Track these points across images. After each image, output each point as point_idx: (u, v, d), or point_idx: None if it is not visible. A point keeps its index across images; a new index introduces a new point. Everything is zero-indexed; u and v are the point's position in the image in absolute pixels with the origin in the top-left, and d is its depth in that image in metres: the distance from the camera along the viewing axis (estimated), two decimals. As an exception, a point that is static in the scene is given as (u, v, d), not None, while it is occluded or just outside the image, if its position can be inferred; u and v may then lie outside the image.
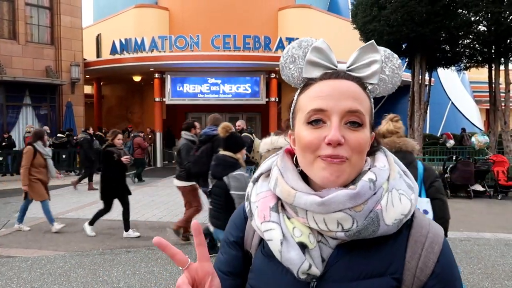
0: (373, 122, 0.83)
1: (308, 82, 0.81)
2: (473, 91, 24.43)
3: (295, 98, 0.84)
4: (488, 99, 12.86)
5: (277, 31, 18.87)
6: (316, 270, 0.76)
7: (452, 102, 21.27)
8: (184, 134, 5.92)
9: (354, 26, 12.50)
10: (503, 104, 11.94)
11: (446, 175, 9.78)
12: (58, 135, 13.91)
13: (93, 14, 24.79)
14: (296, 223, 0.78)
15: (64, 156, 13.20)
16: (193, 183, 5.67)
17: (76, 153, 13.71)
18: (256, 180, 0.88)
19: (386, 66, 0.82)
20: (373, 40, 0.82)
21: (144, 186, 11.29)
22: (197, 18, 18.54)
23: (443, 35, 11.41)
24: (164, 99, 16.37)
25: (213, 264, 0.95)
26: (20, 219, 6.62)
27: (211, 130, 5.31)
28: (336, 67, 0.80)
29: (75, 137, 10.54)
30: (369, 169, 0.78)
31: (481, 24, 11.38)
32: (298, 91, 0.84)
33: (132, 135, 11.79)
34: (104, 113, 20.04)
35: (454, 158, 10.08)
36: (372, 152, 0.83)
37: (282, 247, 0.77)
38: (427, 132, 19.40)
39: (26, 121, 14.89)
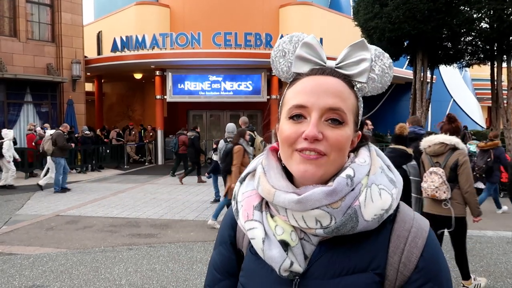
0: (359, 120, 0.82)
1: (296, 77, 0.81)
2: (475, 88, 24.37)
3: (284, 92, 0.84)
4: (490, 96, 12.81)
5: (278, 28, 18.83)
6: (299, 267, 0.76)
7: (453, 100, 21.22)
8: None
9: (356, 23, 12.46)
10: (505, 101, 11.89)
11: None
12: (59, 132, 13.89)
13: (94, 11, 24.75)
14: (279, 221, 0.78)
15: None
16: None
17: (77, 150, 13.71)
18: (243, 179, 0.88)
19: (376, 65, 0.81)
20: (363, 38, 0.82)
21: (145, 184, 11.30)
22: (198, 15, 18.50)
23: (445, 32, 11.36)
24: (165, 97, 16.35)
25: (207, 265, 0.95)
26: (215, 216, 6.54)
27: (418, 129, 5.71)
28: (325, 63, 0.80)
29: (189, 134, 11.31)
30: (350, 165, 0.78)
31: (484, 21, 11.31)
32: (288, 85, 0.84)
33: (177, 132, 12.61)
34: (105, 110, 20.02)
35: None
36: (357, 148, 0.83)
37: (264, 245, 0.77)
38: (429, 129, 19.37)
39: (27, 119, 14.88)
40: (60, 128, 10.47)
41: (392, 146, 4.48)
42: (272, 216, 0.80)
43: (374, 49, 0.82)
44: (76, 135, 14.45)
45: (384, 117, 19.82)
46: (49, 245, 5.69)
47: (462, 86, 22.39)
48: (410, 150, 4.42)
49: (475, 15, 11.22)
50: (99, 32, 20.15)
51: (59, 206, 8.26)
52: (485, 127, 21.54)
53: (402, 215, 0.80)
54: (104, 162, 14.91)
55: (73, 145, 11.41)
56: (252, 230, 0.80)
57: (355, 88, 0.81)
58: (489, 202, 9.02)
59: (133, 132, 17.28)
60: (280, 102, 0.84)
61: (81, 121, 15.99)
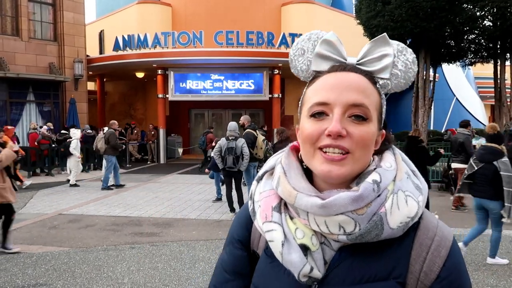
0: (383, 119, 0.80)
1: (316, 75, 0.79)
2: (478, 86, 24.29)
3: (304, 91, 0.82)
4: (493, 95, 12.77)
5: (280, 27, 18.81)
6: (318, 273, 0.74)
7: (456, 98, 21.16)
8: (461, 130, 8.17)
9: (358, 21, 12.42)
10: (508, 100, 11.85)
11: (450, 172, 9.72)
12: (62, 131, 13.93)
13: (96, 10, 24.77)
14: (299, 224, 0.76)
15: (67, 153, 13.20)
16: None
17: (80, 149, 13.72)
18: (260, 178, 0.85)
19: (398, 60, 0.78)
20: (385, 33, 0.78)
21: (147, 183, 11.31)
22: (200, 14, 18.49)
23: (448, 30, 11.31)
24: (167, 96, 16.36)
25: (216, 264, 0.93)
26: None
27: None
28: (346, 60, 0.78)
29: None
30: (375, 169, 0.75)
31: (487, 19, 11.27)
32: (307, 84, 0.82)
33: (204, 131, 12.95)
34: (107, 109, 20.05)
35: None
36: (380, 151, 0.80)
37: (283, 249, 0.75)
38: (432, 128, 19.32)
39: (30, 118, 14.91)
40: (112, 127, 10.70)
41: (484, 144, 5.10)
42: (291, 218, 0.77)
43: (396, 44, 0.79)
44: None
45: (387, 116, 19.67)
46: (52, 243, 5.70)
47: (465, 84, 22.32)
48: (502, 147, 4.97)
49: (478, 13, 11.19)
50: (101, 31, 20.17)
51: (62, 205, 8.28)
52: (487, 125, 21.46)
53: (425, 223, 0.77)
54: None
55: (123, 146, 11.64)
56: (271, 232, 0.77)
57: (377, 85, 0.78)
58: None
59: (135, 131, 17.31)
60: (300, 101, 0.82)
61: (83, 120, 16.01)
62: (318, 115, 0.74)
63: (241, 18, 17.78)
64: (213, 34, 15.24)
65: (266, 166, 0.86)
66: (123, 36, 16.00)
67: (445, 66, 14.97)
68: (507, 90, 11.95)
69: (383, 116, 0.80)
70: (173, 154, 17.45)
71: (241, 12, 18.27)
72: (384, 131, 0.81)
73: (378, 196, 0.71)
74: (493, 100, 13.01)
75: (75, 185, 10.58)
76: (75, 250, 5.37)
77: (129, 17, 19.11)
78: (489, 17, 11.07)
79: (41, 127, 13.52)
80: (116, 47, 16.18)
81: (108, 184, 10.13)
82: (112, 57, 16.32)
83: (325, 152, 0.72)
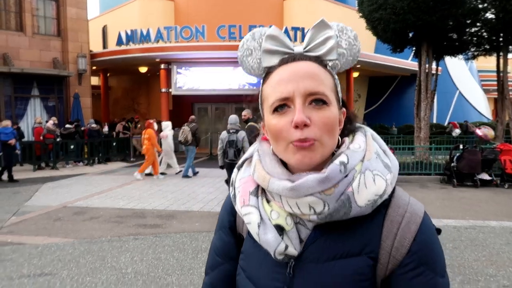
0: (340, 97, 0.82)
1: (269, 71, 0.82)
2: (481, 80, 24.16)
3: (260, 89, 0.84)
4: (496, 88, 12.73)
5: (282, 20, 18.78)
6: (293, 251, 0.78)
7: (459, 91, 21.08)
8: None
9: (360, 14, 12.39)
10: (511, 93, 11.82)
11: (452, 164, 9.75)
12: (66, 125, 14.05)
13: (99, 5, 24.80)
14: (275, 206, 0.80)
15: (72, 147, 13.33)
16: None
17: (84, 143, 13.86)
18: (241, 166, 0.90)
19: (341, 40, 0.82)
20: (323, 17, 0.82)
21: (151, 176, 11.39)
22: (202, 8, 18.49)
23: (450, 23, 11.26)
24: (170, 90, 16.41)
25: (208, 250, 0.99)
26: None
27: None
28: (293, 50, 0.81)
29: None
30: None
31: (489, 12, 11.21)
32: (262, 81, 0.84)
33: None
34: (111, 104, 20.16)
35: (461, 147, 10.02)
36: (352, 132, 0.84)
37: (259, 230, 0.79)
38: (434, 121, 19.29)
39: (34, 113, 15.04)
40: (194, 121, 11.47)
41: None
42: (268, 202, 0.81)
43: (336, 25, 0.82)
44: (82, 128, 14.60)
45: (390, 109, 19.75)
46: (57, 235, 5.80)
47: (468, 77, 22.23)
48: None
49: (480, 6, 11.13)
50: (104, 26, 20.24)
51: (66, 197, 8.39)
52: (491, 119, 21.38)
53: (396, 200, 0.80)
54: (111, 155, 15.04)
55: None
56: (248, 215, 0.81)
57: (328, 67, 0.81)
58: (495, 192, 9.03)
59: (139, 125, 17.39)
60: (260, 100, 0.84)
61: (87, 114, 16.13)
62: (281, 108, 0.77)
63: (243, 12, 17.77)
64: (215, 28, 15.26)
65: (246, 154, 0.91)
66: (126, 31, 16.05)
67: (448, 59, 14.91)
68: (509, 83, 11.91)
69: (340, 95, 0.83)
70: (176, 147, 17.47)
71: (244, 6, 18.25)
72: (344, 109, 0.84)
73: (345, 176, 0.74)
74: (496, 93, 12.98)
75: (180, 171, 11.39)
76: (80, 241, 5.46)
77: (132, 12, 19.15)
78: (491, 9, 11.01)
79: (46, 121, 13.64)
80: (119, 42, 16.24)
81: (187, 174, 10.97)
82: (115, 52, 16.38)
83: (296, 143, 0.75)
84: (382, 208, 0.78)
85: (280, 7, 19.31)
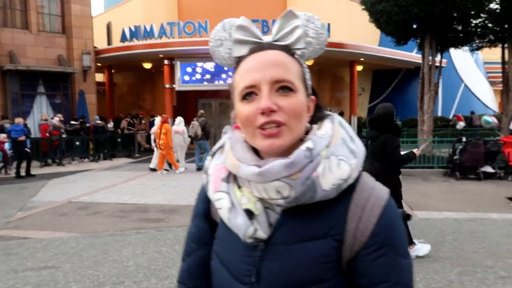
0: (308, 85, 0.85)
1: (239, 61, 0.85)
2: (487, 72, 23.92)
3: (232, 78, 0.87)
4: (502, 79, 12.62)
5: (286, 14, 18.68)
6: (262, 234, 0.81)
7: (465, 84, 20.89)
8: None
9: (363, 7, 12.33)
10: (516, 84, 11.72)
11: (455, 157, 9.71)
12: (72, 122, 14.19)
13: (104, 2, 24.90)
14: (245, 192, 0.83)
15: (77, 143, 13.47)
16: None
17: (89, 139, 14.00)
18: (214, 153, 0.93)
19: (308, 29, 0.84)
20: (290, 8, 0.85)
21: (154, 171, 11.50)
22: (205, 3, 18.50)
23: (454, 14, 11.16)
24: (174, 86, 16.49)
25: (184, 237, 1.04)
26: None
27: None
28: (262, 40, 0.84)
29: None
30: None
31: (493, 2, 11.09)
32: (234, 71, 0.87)
33: None
34: (116, 100, 20.28)
35: (464, 139, 9.97)
36: (321, 119, 0.87)
37: (230, 214, 0.82)
38: (439, 114, 19.16)
39: (41, 110, 15.20)
40: (203, 115, 11.74)
41: None
42: (239, 188, 0.84)
43: (303, 15, 0.84)
44: (87, 124, 14.74)
45: (394, 102, 19.61)
46: (62, 229, 5.91)
47: (473, 69, 22.01)
48: None
49: (484, -4, 11.02)
50: (108, 23, 20.31)
51: (72, 193, 8.51)
52: (497, 111, 21.19)
53: (362, 185, 0.83)
54: (116, 151, 15.17)
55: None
56: (220, 200, 0.85)
57: (296, 56, 0.84)
58: (498, 185, 8.99)
59: (143, 122, 17.51)
60: (231, 89, 0.87)
61: (92, 111, 16.26)
62: (249, 96, 0.80)
63: (246, 7, 17.73)
64: (218, 23, 15.24)
65: (220, 142, 0.94)
66: (129, 27, 16.12)
67: (453, 51, 14.78)
68: (514, 74, 11.79)
69: (309, 83, 0.85)
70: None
71: (247, 1, 18.22)
72: (313, 97, 0.87)
73: (311, 161, 0.77)
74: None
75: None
76: (83, 235, 5.56)
77: (136, 8, 19.20)
78: (495, 0, 10.89)
79: (52, 118, 13.79)
80: (123, 38, 16.31)
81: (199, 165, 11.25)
82: (119, 48, 16.46)
83: (264, 129, 0.78)
84: (348, 192, 0.81)
85: (283, 0, 19.24)
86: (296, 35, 0.83)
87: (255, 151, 0.84)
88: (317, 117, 0.87)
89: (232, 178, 0.86)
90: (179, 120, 11.77)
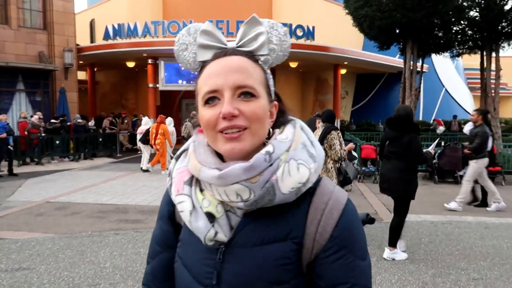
0: (271, 91, 0.86)
1: (203, 65, 0.86)
2: (467, 77, 24.46)
3: (196, 82, 0.88)
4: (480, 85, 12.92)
5: (271, 16, 18.77)
6: (223, 237, 0.81)
7: (445, 89, 21.32)
8: None
9: (347, 11, 12.47)
10: (493, 90, 11.99)
11: (434, 161, 9.89)
12: (52, 120, 13.93)
13: (87, -1, 24.55)
14: (207, 195, 0.84)
15: (57, 142, 13.22)
16: None
17: (70, 138, 13.76)
18: (178, 157, 0.94)
19: (272, 36, 0.86)
20: (255, 14, 0.86)
21: (136, 172, 11.39)
22: (190, 3, 18.41)
23: (435, 20, 11.39)
24: (157, 85, 16.35)
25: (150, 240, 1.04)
26: None
27: None
28: (226, 45, 0.85)
29: None
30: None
31: (473, 10, 11.36)
32: (197, 75, 0.88)
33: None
34: (98, 99, 20.00)
35: (442, 144, 10.17)
36: (283, 124, 0.88)
37: (191, 217, 0.83)
38: (421, 118, 19.50)
39: (20, 107, 14.88)
40: (195, 116, 11.27)
41: None
42: (202, 191, 0.84)
43: (267, 22, 0.86)
44: (68, 123, 14.49)
45: (377, 106, 19.90)
46: (38, 230, 5.80)
47: (454, 75, 22.49)
48: None
49: (465, 3, 11.27)
50: (92, 20, 20.02)
51: (50, 193, 8.36)
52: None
53: (321, 189, 0.84)
54: (97, 150, 14.96)
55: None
56: (182, 203, 0.85)
57: (259, 62, 0.85)
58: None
59: (126, 121, 17.32)
60: (195, 92, 0.87)
61: (73, 109, 16.00)
62: (211, 100, 0.81)
63: (232, 7, 17.73)
64: (203, 23, 15.19)
65: (184, 146, 0.94)
66: (113, 25, 15.92)
67: (434, 57, 15.07)
68: (491, 81, 12.08)
69: (272, 88, 0.87)
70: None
71: (232, 1, 18.21)
72: (276, 102, 0.88)
73: (270, 165, 0.78)
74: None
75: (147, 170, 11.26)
76: (60, 236, 5.47)
77: (120, 6, 18.98)
78: (475, 7, 11.15)
79: (31, 116, 13.52)
80: (106, 36, 16.10)
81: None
82: (102, 46, 16.24)
83: (225, 133, 0.79)
84: (308, 196, 0.83)
85: (269, 2, 19.31)
86: (259, 41, 0.84)
87: (219, 155, 0.85)
88: (280, 122, 0.88)
89: (194, 181, 0.87)
90: (170, 120, 11.75)
